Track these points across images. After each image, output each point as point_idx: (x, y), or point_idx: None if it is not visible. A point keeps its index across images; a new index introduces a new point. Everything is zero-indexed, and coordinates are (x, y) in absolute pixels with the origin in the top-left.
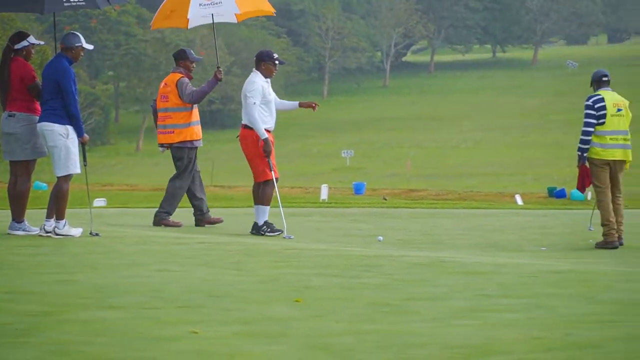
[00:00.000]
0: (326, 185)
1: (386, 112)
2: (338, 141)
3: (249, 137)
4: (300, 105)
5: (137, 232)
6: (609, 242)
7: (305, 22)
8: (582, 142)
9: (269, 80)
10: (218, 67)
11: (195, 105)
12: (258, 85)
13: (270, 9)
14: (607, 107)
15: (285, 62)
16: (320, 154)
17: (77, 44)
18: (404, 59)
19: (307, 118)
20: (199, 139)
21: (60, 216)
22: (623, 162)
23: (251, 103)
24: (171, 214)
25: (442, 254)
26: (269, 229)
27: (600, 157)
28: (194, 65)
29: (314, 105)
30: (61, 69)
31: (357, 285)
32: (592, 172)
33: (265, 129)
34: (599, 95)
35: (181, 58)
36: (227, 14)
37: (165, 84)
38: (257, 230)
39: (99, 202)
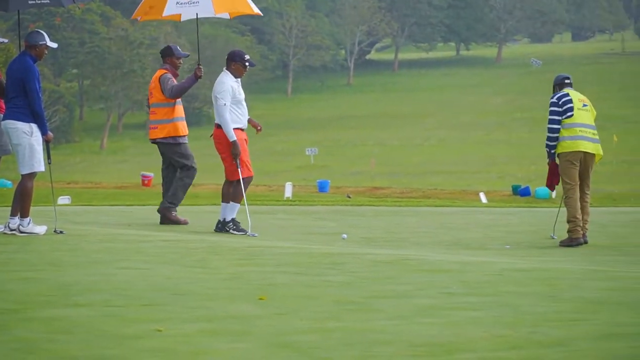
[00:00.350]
0: (290, 183)
1: (350, 110)
2: (302, 139)
3: (222, 137)
4: (249, 121)
5: (101, 229)
6: (574, 239)
7: (268, 20)
8: (549, 139)
9: (239, 80)
10: (199, 65)
11: (180, 102)
12: (227, 85)
13: (251, 10)
14: (573, 101)
15: (256, 64)
16: (284, 152)
17: (41, 42)
18: (367, 57)
19: (272, 116)
20: (184, 135)
21: (24, 214)
22: (593, 156)
23: (222, 104)
24: (176, 206)
25: (406, 252)
26: (234, 227)
27: (571, 149)
28: (180, 61)
29: (258, 128)
30: (25, 67)
31: (321, 283)
32: (561, 169)
33: (237, 128)
34: (564, 91)
35: (167, 55)
36: (204, 12)
37: (152, 80)
38: (222, 226)
39: (64, 199)
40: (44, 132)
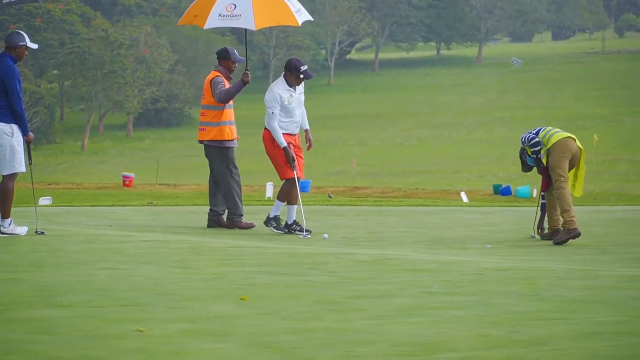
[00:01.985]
0: (271, 183)
1: (331, 110)
2: None
3: (268, 138)
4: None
5: (82, 230)
6: (572, 230)
7: None
8: (535, 152)
9: (295, 87)
10: (246, 70)
11: (230, 105)
12: (275, 94)
13: (294, 22)
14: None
15: (312, 75)
16: (264, 152)
17: (21, 43)
18: (348, 56)
19: (251, 116)
20: (232, 139)
21: (5, 215)
22: (579, 152)
23: (270, 113)
24: (242, 215)
25: (387, 252)
26: (274, 224)
27: (559, 138)
28: (235, 65)
29: (308, 144)
30: (5, 67)
31: (303, 283)
32: (553, 161)
33: (284, 134)
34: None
35: (223, 57)
36: (245, 26)
37: (205, 82)
38: (266, 221)
39: (45, 200)
40: (24, 133)
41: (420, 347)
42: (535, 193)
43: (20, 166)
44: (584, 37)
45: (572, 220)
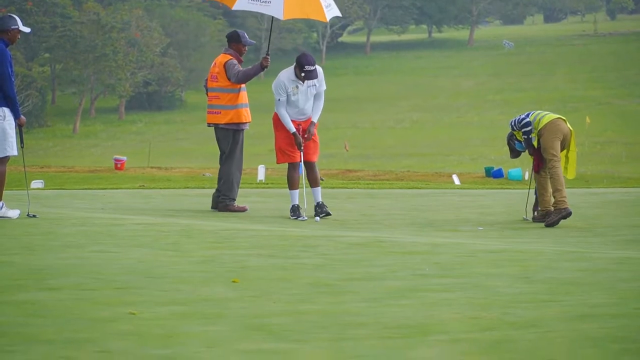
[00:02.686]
0: (263, 166)
1: None
2: None
3: (275, 121)
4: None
5: (74, 213)
6: (563, 210)
7: None
8: (525, 132)
9: (303, 80)
10: (267, 54)
11: (244, 88)
12: (279, 81)
13: (323, 17)
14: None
15: (315, 77)
16: (256, 135)
17: (13, 27)
18: (339, 39)
19: None
20: (246, 122)
21: None
22: (570, 133)
23: (276, 100)
24: (235, 199)
25: (380, 234)
26: (291, 213)
27: (550, 119)
28: (245, 48)
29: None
30: None
31: (295, 266)
32: (545, 142)
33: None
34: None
35: (234, 40)
36: (274, 13)
37: (215, 64)
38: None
39: (37, 183)
40: (16, 116)
41: (412, 330)
42: (527, 175)
43: (12, 149)
44: (576, 20)
45: (564, 200)
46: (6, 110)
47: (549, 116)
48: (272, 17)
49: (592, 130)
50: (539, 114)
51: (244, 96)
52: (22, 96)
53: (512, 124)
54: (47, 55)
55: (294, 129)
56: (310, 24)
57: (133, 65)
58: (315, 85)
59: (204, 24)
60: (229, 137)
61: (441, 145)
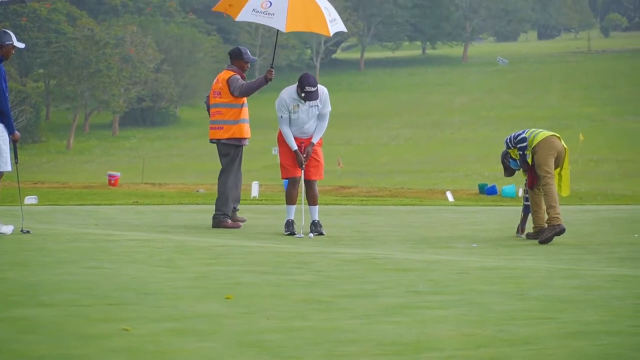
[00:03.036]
0: (257, 182)
1: None
2: (268, 138)
3: (280, 137)
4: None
5: (68, 229)
6: (557, 226)
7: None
8: (520, 149)
9: (306, 101)
10: (271, 67)
11: (246, 104)
12: (281, 100)
13: (326, 31)
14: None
15: (315, 99)
16: (249, 151)
17: (7, 42)
18: (333, 56)
19: None
20: (247, 138)
21: None
22: (564, 151)
23: (279, 117)
24: (229, 215)
25: (373, 251)
26: (285, 228)
27: (544, 137)
28: (248, 65)
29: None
30: None
31: (288, 282)
32: (539, 159)
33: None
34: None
35: (236, 57)
36: (276, 25)
37: (217, 80)
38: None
39: (30, 199)
40: (10, 132)
41: (405, 347)
42: (520, 192)
43: (6, 165)
44: (570, 37)
45: (557, 217)
46: (0, 126)
47: (543, 133)
48: (277, 30)
49: (586, 148)
50: (533, 131)
51: (245, 112)
52: (16, 112)
53: (507, 141)
54: (41, 70)
55: (295, 147)
56: (304, 40)
57: (127, 81)
58: (317, 105)
59: (198, 40)
60: (231, 152)
61: (435, 161)
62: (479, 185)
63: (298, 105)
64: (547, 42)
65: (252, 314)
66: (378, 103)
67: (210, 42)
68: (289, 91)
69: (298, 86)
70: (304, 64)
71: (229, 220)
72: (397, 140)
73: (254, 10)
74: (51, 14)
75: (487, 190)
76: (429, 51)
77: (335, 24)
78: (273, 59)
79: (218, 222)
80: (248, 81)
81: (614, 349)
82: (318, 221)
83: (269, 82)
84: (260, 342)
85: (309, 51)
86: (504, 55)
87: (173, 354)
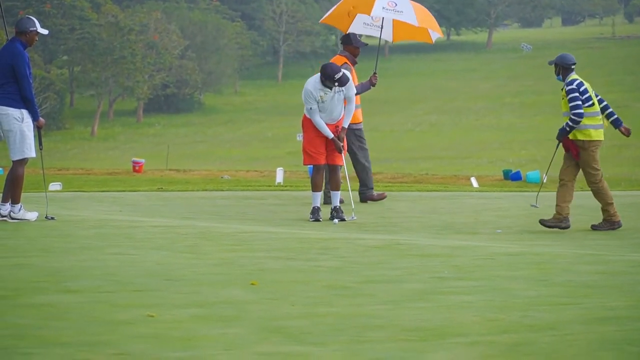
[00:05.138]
0: (282, 168)
1: None
2: (293, 125)
3: (304, 123)
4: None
5: (92, 215)
6: (616, 222)
7: (259, 6)
8: (574, 122)
9: (333, 88)
10: (375, 73)
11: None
12: (307, 92)
13: (429, 40)
14: (589, 90)
15: (347, 82)
16: (274, 138)
17: (31, 28)
18: None
19: (261, 102)
20: (360, 122)
21: (15, 200)
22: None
23: (307, 109)
24: (372, 187)
25: (398, 237)
26: (311, 215)
27: (598, 138)
28: (358, 50)
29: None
30: (15, 53)
31: (313, 268)
32: (585, 157)
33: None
34: (578, 79)
35: (348, 43)
36: (385, 36)
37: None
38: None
39: (55, 186)
40: (35, 118)
41: (430, 332)
42: (545, 178)
43: (30, 151)
44: (594, 23)
45: (616, 214)
46: (24, 112)
47: (596, 133)
48: (378, 48)
49: (610, 133)
50: (594, 118)
51: (358, 98)
52: (40, 98)
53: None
54: (65, 57)
55: (331, 135)
56: (329, 27)
57: (151, 68)
58: (342, 90)
59: (222, 27)
60: (351, 137)
61: (459, 148)
62: (503, 171)
63: (325, 94)
64: (571, 27)
65: (277, 300)
66: (402, 89)
67: (235, 29)
68: (313, 82)
69: (322, 77)
70: (329, 50)
71: (375, 193)
72: (422, 127)
73: (364, 24)
74: (75, 0)
75: (512, 177)
76: (453, 37)
77: (435, 33)
78: (376, 65)
79: (365, 197)
80: (356, 85)
81: (638, 334)
82: (339, 207)
83: (373, 87)
84: (285, 328)
85: (333, 37)
86: (528, 42)
87: (197, 340)
